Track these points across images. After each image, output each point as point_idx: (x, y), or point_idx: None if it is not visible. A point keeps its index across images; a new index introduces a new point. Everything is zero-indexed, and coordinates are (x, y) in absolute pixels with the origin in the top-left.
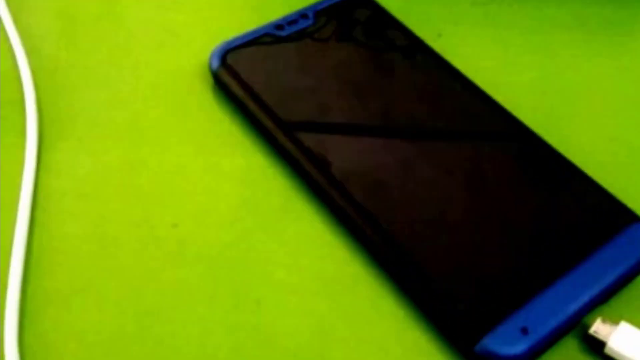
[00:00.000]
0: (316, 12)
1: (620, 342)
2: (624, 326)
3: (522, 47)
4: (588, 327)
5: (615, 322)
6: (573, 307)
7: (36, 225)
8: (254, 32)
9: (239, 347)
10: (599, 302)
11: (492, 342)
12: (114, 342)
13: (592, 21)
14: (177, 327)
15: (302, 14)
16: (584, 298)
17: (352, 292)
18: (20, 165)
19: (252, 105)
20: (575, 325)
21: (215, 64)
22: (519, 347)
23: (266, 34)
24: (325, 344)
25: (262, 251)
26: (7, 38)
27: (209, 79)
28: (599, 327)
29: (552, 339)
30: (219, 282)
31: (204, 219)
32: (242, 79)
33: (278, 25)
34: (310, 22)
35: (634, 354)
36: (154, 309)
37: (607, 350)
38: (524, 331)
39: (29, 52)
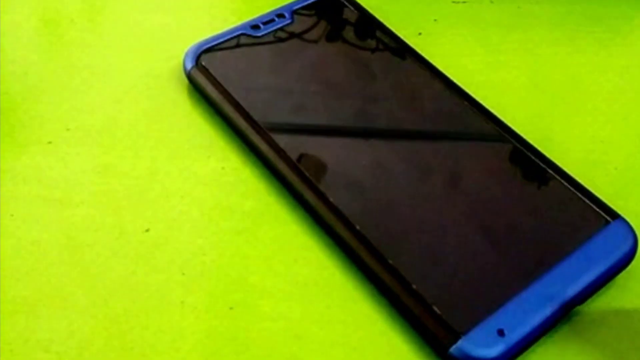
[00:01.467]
0: (293, 11)
1: None
2: None
3: (502, 45)
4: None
5: None
6: (550, 308)
7: (2, 232)
8: (229, 32)
9: (212, 352)
10: (577, 302)
11: (468, 345)
12: (83, 350)
13: (573, 18)
14: (149, 333)
15: (278, 14)
16: (561, 299)
17: (328, 295)
18: None
19: (226, 107)
20: (553, 327)
21: (189, 65)
22: (495, 350)
23: (242, 34)
24: (299, 348)
25: (235, 255)
26: None
27: (184, 81)
28: None
29: (529, 341)
30: (192, 287)
31: (177, 223)
32: (217, 79)
33: (254, 25)
34: (287, 21)
35: None
36: (125, 316)
37: None
38: (501, 333)
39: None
